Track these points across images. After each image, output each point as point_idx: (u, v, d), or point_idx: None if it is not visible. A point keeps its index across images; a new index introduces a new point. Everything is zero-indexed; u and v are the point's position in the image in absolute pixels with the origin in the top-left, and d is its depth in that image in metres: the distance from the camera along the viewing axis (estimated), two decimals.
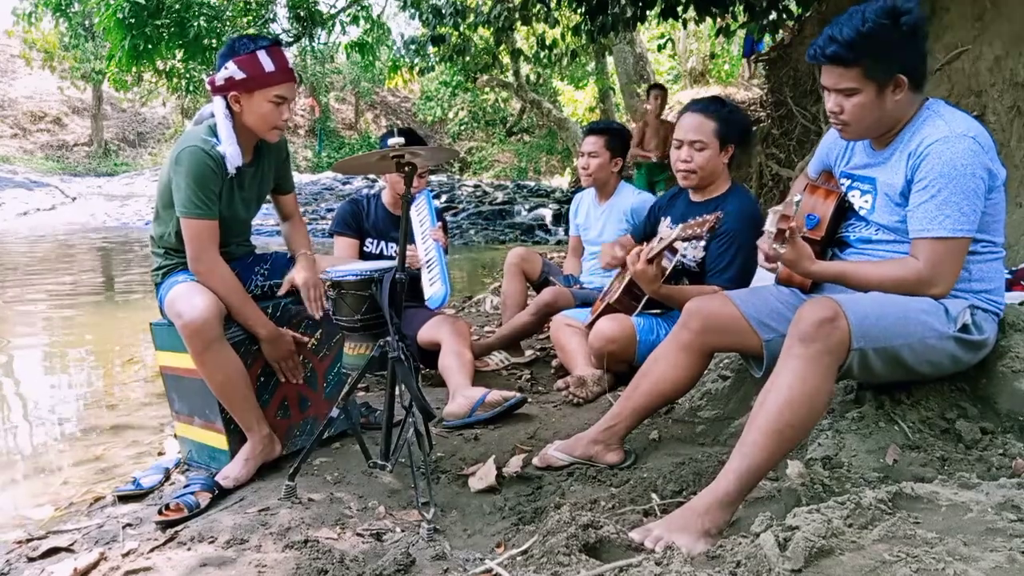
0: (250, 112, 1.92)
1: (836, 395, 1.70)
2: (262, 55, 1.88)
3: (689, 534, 1.35)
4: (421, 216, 2.65)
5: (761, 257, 1.66)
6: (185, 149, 1.90)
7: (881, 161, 1.61)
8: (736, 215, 2.25)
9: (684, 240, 2.05)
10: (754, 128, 6.81)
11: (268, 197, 2.25)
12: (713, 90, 10.61)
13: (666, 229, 2.24)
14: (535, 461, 1.91)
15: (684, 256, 2.36)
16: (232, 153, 1.91)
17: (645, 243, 2.35)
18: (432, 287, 2.42)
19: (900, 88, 1.50)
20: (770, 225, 1.50)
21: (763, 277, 2.29)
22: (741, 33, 7.19)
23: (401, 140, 1.77)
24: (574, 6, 6.40)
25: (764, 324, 1.68)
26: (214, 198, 1.91)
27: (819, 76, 1.63)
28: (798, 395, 1.37)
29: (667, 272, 2.26)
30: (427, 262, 2.53)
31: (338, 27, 8.83)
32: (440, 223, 2.67)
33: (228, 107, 1.92)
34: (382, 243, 2.91)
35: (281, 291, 2.13)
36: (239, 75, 1.87)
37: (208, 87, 1.95)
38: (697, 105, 2.36)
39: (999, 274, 1.60)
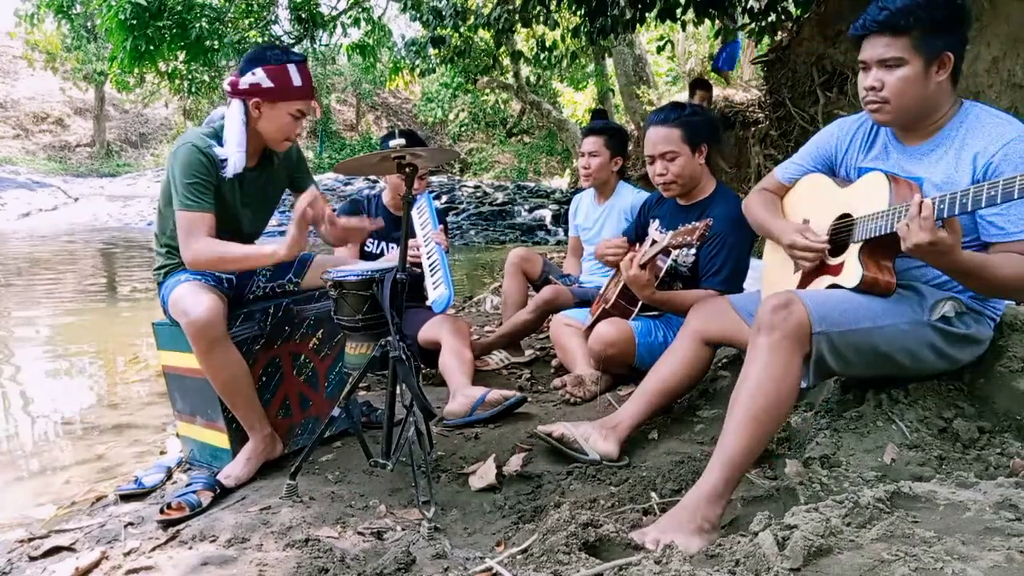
0: (269, 121, 1.96)
1: (834, 395, 1.71)
2: (292, 69, 1.93)
3: (683, 533, 1.36)
4: (423, 218, 2.65)
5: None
6: (181, 146, 1.93)
7: (920, 157, 1.55)
8: (724, 218, 2.25)
9: (675, 248, 2.06)
10: (753, 124, 6.80)
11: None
12: (712, 92, 10.59)
13: (656, 233, 2.25)
14: (539, 428, 1.96)
15: (675, 260, 2.36)
16: (237, 159, 1.93)
17: (638, 244, 2.36)
18: (436, 290, 2.42)
19: (944, 69, 1.47)
20: (922, 211, 1.31)
21: (756, 278, 2.30)
22: (741, 35, 7.20)
23: (402, 142, 1.78)
24: (574, 8, 6.42)
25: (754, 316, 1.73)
26: (207, 192, 1.93)
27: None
28: (764, 382, 1.41)
29: (662, 272, 2.27)
30: (430, 265, 2.53)
31: (339, 29, 8.85)
32: (441, 225, 2.68)
33: (246, 111, 1.95)
34: (383, 244, 2.92)
35: (296, 213, 1.94)
36: (267, 84, 1.91)
37: (228, 88, 1.96)
38: (657, 117, 2.34)
39: None
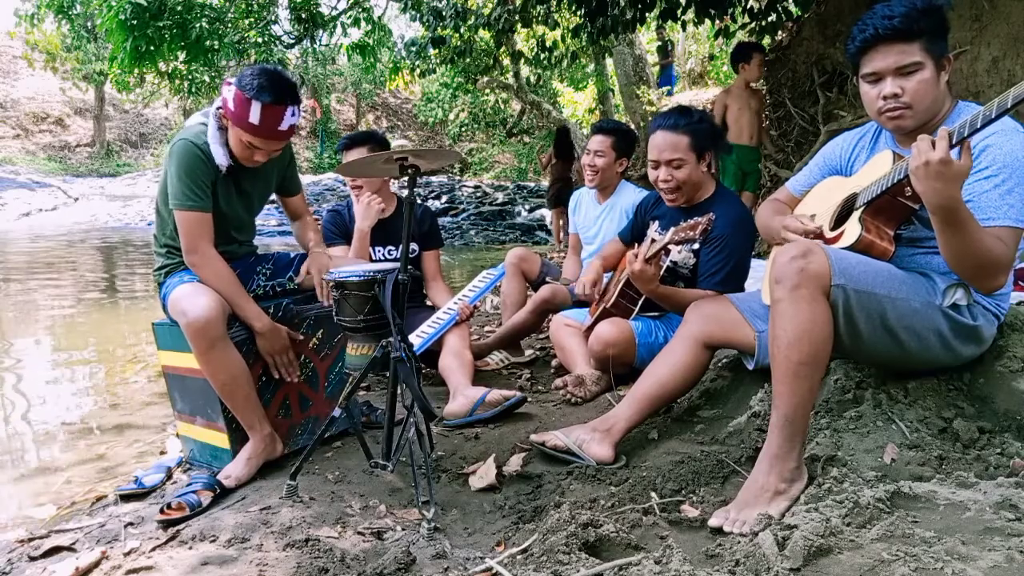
0: (231, 135, 1.95)
1: (833, 395, 1.71)
2: (255, 107, 1.84)
3: (762, 503, 1.38)
4: (474, 283, 2.77)
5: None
6: (177, 142, 1.93)
7: None
8: (725, 220, 2.25)
9: (677, 244, 2.07)
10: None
11: (274, 198, 2.27)
12: (712, 92, 10.61)
13: (655, 233, 2.25)
14: (532, 437, 1.96)
15: (675, 261, 2.36)
16: (216, 153, 1.93)
17: (636, 244, 2.36)
18: (417, 339, 2.50)
19: (946, 71, 1.50)
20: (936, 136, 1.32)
21: (758, 278, 2.30)
22: (741, 34, 7.20)
23: (405, 143, 1.78)
24: (574, 8, 6.42)
25: (758, 317, 1.77)
26: (206, 190, 1.93)
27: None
28: (793, 335, 1.39)
29: (663, 268, 2.27)
30: (434, 320, 2.62)
31: (339, 29, 8.84)
32: (477, 304, 2.72)
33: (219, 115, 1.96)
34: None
35: (299, 279, 2.19)
36: (230, 106, 1.89)
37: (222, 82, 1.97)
38: (665, 122, 2.30)
39: (1010, 276, 1.59)
